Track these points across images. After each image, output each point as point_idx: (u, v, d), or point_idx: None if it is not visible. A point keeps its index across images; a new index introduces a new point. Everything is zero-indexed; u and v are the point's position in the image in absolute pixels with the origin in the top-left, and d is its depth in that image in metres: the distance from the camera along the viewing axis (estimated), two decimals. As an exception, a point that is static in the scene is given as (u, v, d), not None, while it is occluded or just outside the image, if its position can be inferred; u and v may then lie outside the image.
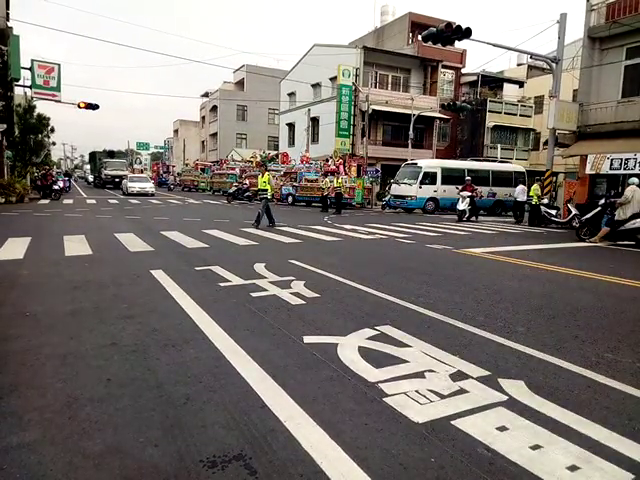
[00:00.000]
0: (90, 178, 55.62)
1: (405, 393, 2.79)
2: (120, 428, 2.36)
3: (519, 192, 19.01)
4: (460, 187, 18.51)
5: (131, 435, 2.30)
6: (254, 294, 5.15)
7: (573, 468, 2.10)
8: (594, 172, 15.58)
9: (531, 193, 17.19)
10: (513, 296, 5.48)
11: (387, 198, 24.23)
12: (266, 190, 12.65)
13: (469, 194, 17.56)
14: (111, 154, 47.78)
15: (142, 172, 45.87)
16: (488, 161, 26.33)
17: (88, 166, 67.59)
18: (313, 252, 8.50)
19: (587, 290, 6.01)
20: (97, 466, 2.06)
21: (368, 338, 3.76)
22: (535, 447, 2.25)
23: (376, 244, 10.08)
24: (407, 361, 3.28)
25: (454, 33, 13.60)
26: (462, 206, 17.49)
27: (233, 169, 34.26)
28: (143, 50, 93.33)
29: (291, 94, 37.08)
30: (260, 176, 13.27)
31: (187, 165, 50.29)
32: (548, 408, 2.66)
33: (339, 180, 20.89)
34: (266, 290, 5.36)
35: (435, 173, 21.95)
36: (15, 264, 6.60)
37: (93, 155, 51.35)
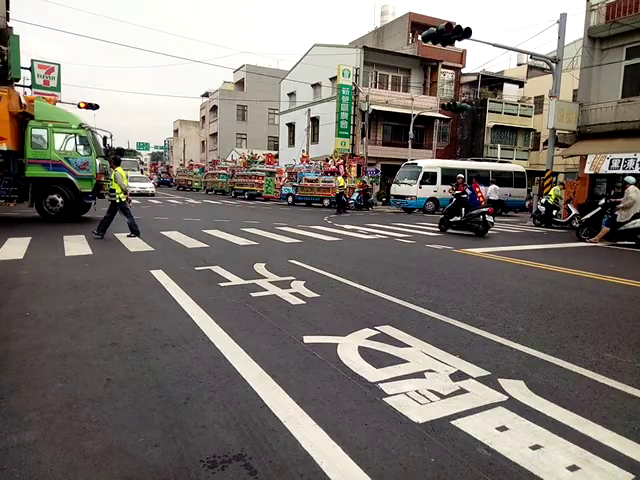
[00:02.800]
0: None
1: (405, 393, 2.79)
2: (120, 428, 2.36)
3: (491, 191, 19.01)
4: (452, 186, 14.87)
5: (131, 435, 2.30)
6: (254, 294, 5.15)
7: (573, 468, 2.10)
8: (594, 172, 15.58)
9: (551, 193, 16.16)
10: (513, 296, 5.48)
11: (355, 197, 23.46)
12: (115, 191, 9.66)
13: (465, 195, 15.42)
14: (121, 152, 44.83)
15: (142, 172, 45.78)
16: (488, 161, 26.35)
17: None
18: (313, 252, 8.50)
19: (587, 290, 6.01)
20: (97, 466, 2.06)
21: (368, 338, 3.76)
22: (535, 447, 2.25)
23: (376, 244, 10.08)
24: (407, 361, 3.28)
25: (454, 33, 13.61)
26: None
27: (224, 169, 34.82)
28: (143, 50, 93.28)
29: (291, 94, 37.09)
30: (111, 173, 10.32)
31: (182, 165, 50.52)
32: (548, 408, 2.66)
33: (340, 180, 20.89)
34: (266, 290, 5.36)
35: (435, 173, 21.96)
36: (15, 264, 6.59)
37: None
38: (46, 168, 12.11)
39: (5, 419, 2.43)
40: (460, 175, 15.73)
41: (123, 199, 9.65)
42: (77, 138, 12.33)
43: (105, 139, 14.00)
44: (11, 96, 11.71)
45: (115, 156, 10.46)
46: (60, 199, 12.32)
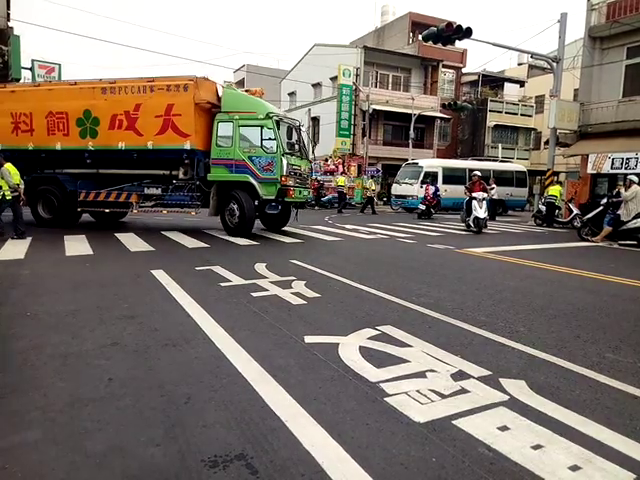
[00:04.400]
0: None
1: (406, 393, 2.78)
2: (121, 428, 2.36)
3: (494, 191, 19.23)
4: (467, 185, 14.50)
5: (132, 435, 2.30)
6: (255, 294, 5.15)
7: (575, 468, 2.09)
8: (595, 172, 15.57)
9: (554, 193, 16.09)
10: (514, 296, 5.48)
11: (322, 195, 23.13)
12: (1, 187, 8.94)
13: (485, 195, 13.59)
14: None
15: None
16: (489, 161, 26.36)
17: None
18: (314, 252, 8.50)
19: (588, 290, 6.00)
20: (99, 465, 2.06)
21: (369, 338, 3.76)
22: (536, 447, 2.25)
23: (377, 244, 10.08)
24: (408, 361, 3.28)
25: (455, 33, 13.62)
26: (482, 213, 13.12)
27: None
28: (143, 50, 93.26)
29: (291, 94, 37.10)
30: None
31: None
32: (549, 408, 2.65)
33: (340, 179, 20.91)
34: (267, 290, 5.36)
35: (436, 173, 21.96)
36: (16, 264, 6.60)
37: None
38: (229, 170, 10.02)
39: (7, 418, 2.43)
40: (476, 172, 14.43)
41: (8, 197, 8.99)
42: (263, 131, 9.83)
43: (291, 130, 10.62)
44: (199, 86, 9.75)
45: (4, 151, 9.33)
46: (237, 208, 10.06)
